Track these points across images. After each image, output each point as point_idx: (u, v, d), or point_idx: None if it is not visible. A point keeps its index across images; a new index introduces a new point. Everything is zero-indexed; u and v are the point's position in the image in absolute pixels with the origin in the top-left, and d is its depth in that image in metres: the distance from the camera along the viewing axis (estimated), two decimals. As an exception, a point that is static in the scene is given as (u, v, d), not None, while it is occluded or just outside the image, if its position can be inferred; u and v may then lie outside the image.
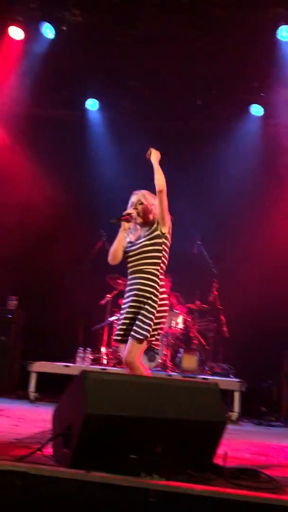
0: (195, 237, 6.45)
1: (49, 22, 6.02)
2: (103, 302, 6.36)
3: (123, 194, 6.81)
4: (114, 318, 6.21)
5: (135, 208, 3.53)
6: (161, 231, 3.49)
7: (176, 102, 6.88)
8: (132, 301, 3.42)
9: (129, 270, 3.52)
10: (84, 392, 2.34)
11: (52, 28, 6.03)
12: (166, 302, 3.49)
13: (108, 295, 6.36)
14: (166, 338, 5.93)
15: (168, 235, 3.51)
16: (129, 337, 3.35)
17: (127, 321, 3.41)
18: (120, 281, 6.25)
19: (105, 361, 6.03)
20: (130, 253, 3.51)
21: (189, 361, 5.84)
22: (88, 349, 5.87)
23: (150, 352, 5.75)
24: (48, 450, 2.57)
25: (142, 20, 5.82)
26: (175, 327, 6.10)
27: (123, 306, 3.55)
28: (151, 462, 2.29)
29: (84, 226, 6.77)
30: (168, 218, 3.49)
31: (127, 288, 3.53)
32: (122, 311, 3.53)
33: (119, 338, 3.45)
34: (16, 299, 6.31)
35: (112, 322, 6.19)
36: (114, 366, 5.84)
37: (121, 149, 6.86)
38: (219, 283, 6.36)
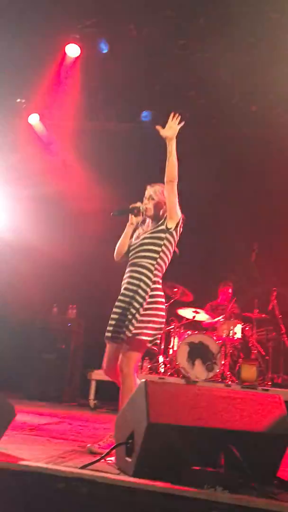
0: (253, 244, 6.36)
1: (104, 38, 6.20)
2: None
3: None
4: (171, 327, 6.22)
5: (146, 203, 3.32)
6: (166, 226, 3.24)
7: (232, 109, 6.84)
8: (121, 294, 3.18)
9: (127, 265, 3.30)
10: (146, 401, 2.36)
11: (107, 43, 6.21)
12: (160, 300, 3.16)
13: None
14: (224, 347, 5.87)
15: (174, 231, 3.24)
16: (120, 339, 3.07)
17: (115, 316, 3.14)
18: (175, 289, 6.26)
19: (162, 370, 6.04)
20: (131, 248, 3.31)
21: (249, 371, 5.73)
22: (146, 358, 5.91)
23: (208, 362, 5.71)
24: (111, 458, 2.62)
25: (195, 31, 5.87)
26: (233, 337, 6.02)
27: (117, 301, 3.25)
28: (215, 474, 2.27)
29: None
30: (175, 213, 3.22)
31: (122, 283, 3.27)
32: (114, 307, 3.23)
33: (109, 335, 3.15)
34: (76, 307, 6.45)
35: (169, 331, 6.20)
36: (171, 375, 5.84)
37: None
38: (278, 292, 6.23)
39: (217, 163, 6.89)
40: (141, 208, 3.32)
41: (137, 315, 3.05)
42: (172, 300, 6.33)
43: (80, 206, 6.93)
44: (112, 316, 3.16)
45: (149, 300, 3.09)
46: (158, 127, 3.19)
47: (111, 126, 7.35)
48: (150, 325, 3.07)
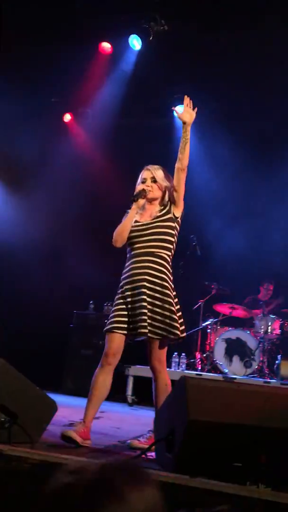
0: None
1: (136, 34, 6.20)
2: (195, 307, 6.36)
3: (214, 199, 6.76)
4: (207, 323, 6.19)
5: (148, 185, 3.12)
6: (174, 214, 3.10)
7: (264, 101, 6.72)
8: (143, 287, 2.96)
9: (135, 252, 3.06)
10: (186, 398, 2.35)
11: (139, 39, 6.20)
12: (175, 293, 3.09)
13: (200, 300, 6.35)
14: (262, 343, 5.79)
15: (179, 220, 3.14)
16: (156, 336, 2.97)
17: (144, 311, 2.94)
18: (213, 286, 6.22)
19: (199, 366, 6.02)
20: (138, 233, 3.07)
21: (288, 367, 5.64)
22: (183, 354, 5.90)
23: (246, 358, 5.65)
24: (151, 453, 2.63)
25: (227, 25, 5.79)
26: (272, 332, 5.93)
27: (125, 290, 3.05)
28: (256, 471, 2.25)
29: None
30: (183, 202, 3.12)
31: (131, 272, 3.03)
32: (124, 297, 3.04)
33: (145, 331, 2.92)
34: (111, 304, 6.49)
35: (205, 327, 6.17)
36: (209, 371, 5.81)
37: (210, 151, 6.82)
38: None
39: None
40: (146, 191, 3.12)
41: (179, 314, 3.03)
42: (208, 296, 6.30)
43: (116, 203, 6.95)
44: (142, 310, 2.94)
45: (175, 299, 3.06)
46: (176, 110, 3.06)
47: (145, 122, 7.34)
48: (183, 323, 3.07)
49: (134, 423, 4.22)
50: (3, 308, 6.80)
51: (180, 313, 3.06)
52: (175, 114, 3.12)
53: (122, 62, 6.53)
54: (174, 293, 3.07)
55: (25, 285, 6.86)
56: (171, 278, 3.06)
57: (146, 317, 2.94)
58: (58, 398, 3.07)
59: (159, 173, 3.14)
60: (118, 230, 3.10)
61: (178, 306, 3.07)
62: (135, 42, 6.24)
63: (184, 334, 3.07)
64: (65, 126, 7.39)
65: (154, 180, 3.13)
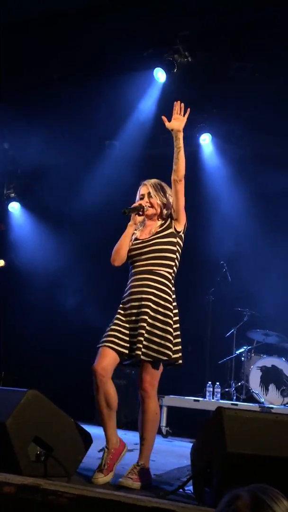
0: None
1: (160, 67, 6.35)
2: (228, 334, 6.26)
3: (242, 228, 6.67)
4: (241, 350, 6.07)
5: (147, 201, 3.00)
6: (175, 229, 2.96)
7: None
8: (142, 306, 2.85)
9: (134, 270, 2.96)
10: (222, 430, 2.30)
11: (164, 72, 6.35)
12: (177, 311, 2.96)
13: (233, 327, 6.25)
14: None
15: (182, 235, 3.01)
16: (147, 358, 2.81)
17: (142, 331, 2.81)
18: (245, 312, 6.13)
19: (234, 396, 5.88)
20: (137, 251, 2.97)
21: None
22: (217, 383, 5.78)
23: (283, 387, 5.49)
24: (189, 487, 2.56)
25: (250, 52, 5.89)
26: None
27: (123, 310, 2.95)
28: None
29: (205, 261, 6.73)
30: (184, 215, 2.97)
31: (130, 290, 2.93)
32: (122, 316, 2.93)
33: (138, 352, 2.78)
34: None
35: (239, 355, 6.06)
36: (244, 401, 5.67)
37: (238, 179, 6.83)
38: None
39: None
40: (145, 208, 3.00)
41: (175, 337, 2.88)
42: (241, 322, 6.20)
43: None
44: (139, 331, 2.81)
45: (174, 319, 2.91)
46: (164, 119, 2.96)
47: (168, 151, 7.40)
48: (180, 346, 2.92)
49: (169, 455, 4.12)
50: (36, 337, 6.86)
51: (177, 333, 2.90)
52: (165, 123, 2.97)
53: (147, 95, 6.68)
54: (176, 311, 2.94)
55: (58, 315, 6.92)
56: (173, 296, 2.94)
57: (142, 338, 2.81)
58: (91, 429, 3.04)
59: (154, 187, 3.06)
60: (115, 248, 3.01)
61: (177, 325, 2.93)
62: (159, 75, 6.38)
63: (179, 356, 2.89)
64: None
65: (151, 195, 3.04)
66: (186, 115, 2.98)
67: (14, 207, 7.84)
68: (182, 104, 2.99)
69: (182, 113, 2.98)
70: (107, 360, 2.85)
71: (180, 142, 2.94)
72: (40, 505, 1.86)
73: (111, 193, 6.66)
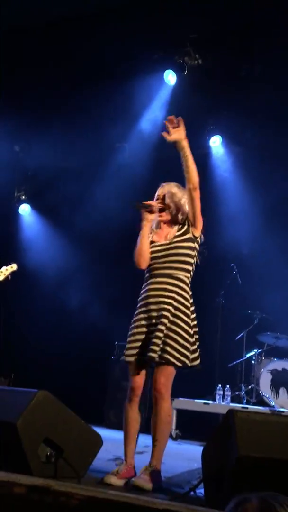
0: None
1: (170, 69, 6.37)
2: (238, 337, 6.23)
3: (252, 231, 6.62)
4: (251, 353, 6.04)
5: (160, 203, 3.02)
6: (193, 234, 2.99)
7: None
8: (161, 309, 2.87)
9: (152, 273, 2.97)
10: (234, 433, 2.28)
11: (174, 74, 6.37)
12: (195, 315, 3.00)
13: (243, 330, 6.22)
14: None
15: (199, 240, 3.04)
16: (163, 361, 2.84)
17: (160, 334, 2.84)
18: (255, 315, 6.10)
19: (244, 399, 5.84)
20: (156, 254, 2.97)
21: None
22: (227, 386, 5.75)
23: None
24: (200, 490, 2.54)
25: (260, 54, 5.88)
26: None
27: (140, 313, 2.98)
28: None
29: (216, 263, 6.70)
30: (201, 221, 3.00)
31: (148, 293, 2.94)
32: (141, 319, 2.96)
33: (154, 355, 2.82)
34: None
35: (250, 358, 6.02)
36: (255, 404, 5.63)
37: (248, 181, 6.80)
38: None
39: None
40: (155, 209, 3.01)
41: (193, 343, 2.95)
42: (251, 325, 6.16)
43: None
44: (156, 333, 2.84)
45: (193, 323, 2.96)
46: (165, 134, 2.93)
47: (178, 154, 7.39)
48: (198, 352, 2.99)
49: (178, 458, 4.10)
50: (44, 339, 6.87)
51: (195, 338, 2.96)
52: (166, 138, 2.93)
53: (157, 97, 6.69)
54: (194, 315, 2.98)
55: (66, 317, 6.93)
56: (190, 300, 2.97)
57: (159, 341, 2.83)
58: (101, 431, 3.03)
59: (172, 190, 3.06)
60: (137, 251, 2.99)
61: (196, 329, 2.97)
62: (170, 77, 6.40)
63: (196, 364, 2.98)
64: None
65: (168, 197, 3.05)
66: (182, 124, 2.95)
67: (25, 210, 7.89)
68: (173, 116, 2.96)
69: (177, 124, 2.95)
70: (138, 377, 2.97)
71: (186, 151, 2.93)
72: (50, 506, 1.85)
73: (121, 195, 6.66)
